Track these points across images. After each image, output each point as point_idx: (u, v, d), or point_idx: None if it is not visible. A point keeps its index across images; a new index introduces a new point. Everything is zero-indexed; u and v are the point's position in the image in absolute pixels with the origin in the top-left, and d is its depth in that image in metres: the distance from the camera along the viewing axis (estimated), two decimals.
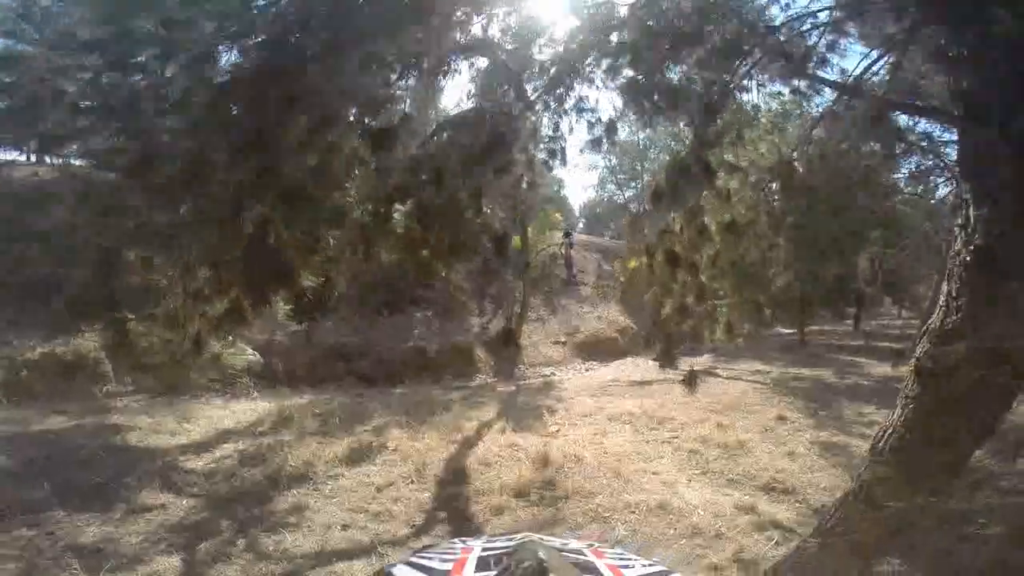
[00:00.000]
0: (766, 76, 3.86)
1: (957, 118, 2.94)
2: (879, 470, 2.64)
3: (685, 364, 12.57)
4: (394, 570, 0.73)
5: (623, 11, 4.16)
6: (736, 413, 7.66)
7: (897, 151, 8.26)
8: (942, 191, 11.15)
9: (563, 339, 15.39)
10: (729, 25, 3.81)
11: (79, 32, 3.38)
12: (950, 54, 2.73)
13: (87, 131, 3.30)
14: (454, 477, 5.29)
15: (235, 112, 2.52)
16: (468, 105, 5.41)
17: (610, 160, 23.34)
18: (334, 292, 4.92)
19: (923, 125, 7.35)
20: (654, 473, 5.46)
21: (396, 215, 4.51)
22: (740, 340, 7.67)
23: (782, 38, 3.77)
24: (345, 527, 4.30)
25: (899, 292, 17.66)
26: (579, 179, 43.30)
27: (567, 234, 18.73)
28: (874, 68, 4.26)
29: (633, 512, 4.47)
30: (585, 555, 0.76)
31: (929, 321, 3.04)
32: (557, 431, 7.04)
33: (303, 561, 3.81)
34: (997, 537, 1.55)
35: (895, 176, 10.24)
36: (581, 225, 33.78)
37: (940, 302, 2.97)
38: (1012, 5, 2.23)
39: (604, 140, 4.46)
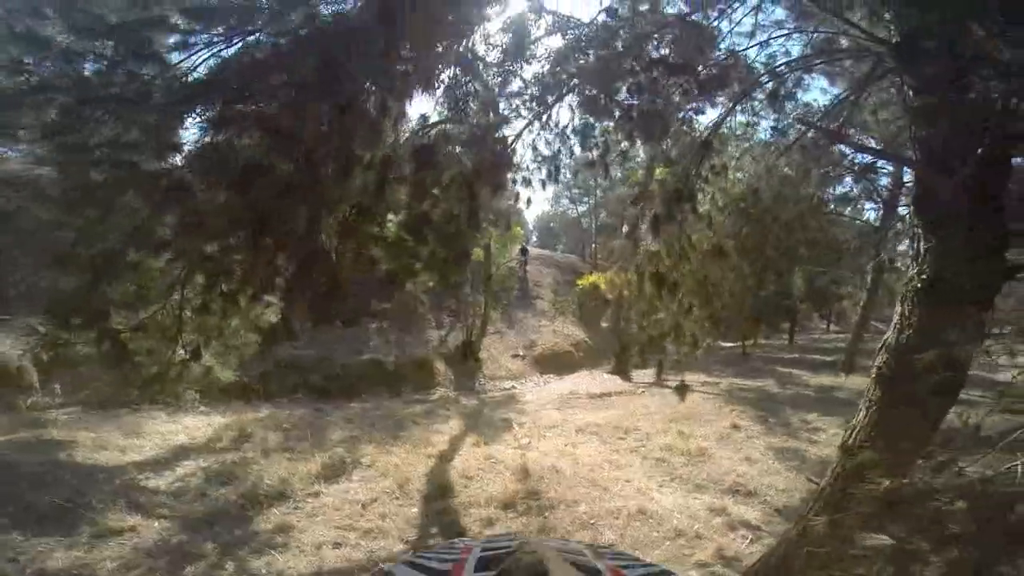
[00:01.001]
0: (749, 110, 4.27)
1: (915, 162, 3.42)
2: (852, 461, 3.02)
3: (638, 377, 13.22)
4: (394, 570, 0.76)
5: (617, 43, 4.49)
6: (693, 422, 8.11)
7: (832, 175, 9.15)
8: (870, 214, 12.52)
9: (521, 352, 15.62)
10: (714, 56, 4.23)
11: (104, 15, 3.20)
12: (915, 105, 3.19)
13: (97, 121, 3.13)
14: (438, 491, 5.32)
15: (286, 108, 2.49)
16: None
17: (568, 176, 23.90)
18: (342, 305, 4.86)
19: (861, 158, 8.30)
20: (627, 481, 5.73)
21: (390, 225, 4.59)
22: (699, 353, 8.15)
23: (764, 78, 4.24)
24: (337, 545, 4.22)
25: (827, 309, 19.23)
26: (537, 193, 43.52)
27: (523, 250, 19.09)
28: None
29: (616, 518, 4.69)
30: (585, 555, 0.76)
31: (886, 336, 3.48)
32: (529, 443, 7.21)
33: None
34: (960, 511, 1.90)
35: (827, 199, 11.27)
36: (534, 239, 34.38)
37: (894, 321, 3.42)
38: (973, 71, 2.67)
39: (599, 164, 4.74)
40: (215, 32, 3.26)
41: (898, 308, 3.40)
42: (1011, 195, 2.85)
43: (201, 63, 3.19)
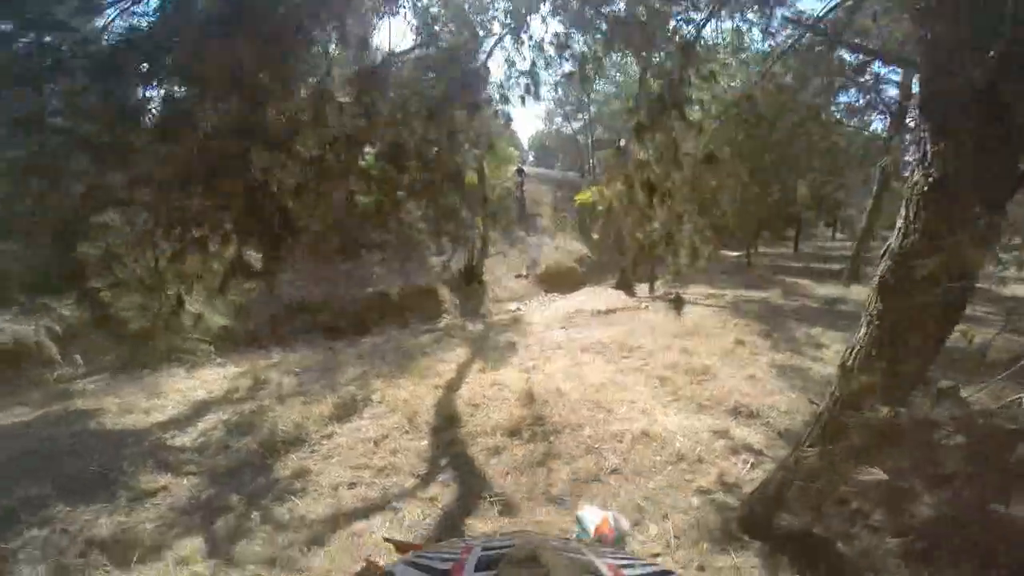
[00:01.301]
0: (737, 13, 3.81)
1: (919, 64, 3.05)
2: (850, 385, 2.96)
3: (641, 291, 13.23)
4: (394, 570, 0.74)
5: None
6: (698, 338, 8.06)
7: (837, 85, 8.49)
8: (877, 125, 11.79)
9: (524, 272, 15.57)
10: None
11: None
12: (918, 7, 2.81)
13: (13, 96, 2.91)
14: (446, 422, 5.42)
15: (213, 51, 2.25)
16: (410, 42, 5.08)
17: (557, 92, 22.71)
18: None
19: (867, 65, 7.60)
20: (632, 402, 5.78)
21: (368, 156, 4.34)
22: (701, 263, 8.00)
23: None
24: (352, 485, 4.37)
25: (832, 217, 18.78)
26: (526, 112, 42.01)
27: (519, 170, 18.50)
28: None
29: (620, 441, 4.77)
30: (585, 555, 0.77)
31: (888, 242, 3.29)
32: (534, 366, 7.28)
33: (322, 526, 3.86)
34: (959, 446, 1.83)
35: (833, 109, 10.62)
36: (531, 158, 33.37)
37: (898, 225, 3.21)
38: None
39: (578, 74, 4.35)
40: None
41: (902, 212, 3.16)
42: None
43: (111, 21, 2.87)
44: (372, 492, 4.29)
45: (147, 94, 2.64)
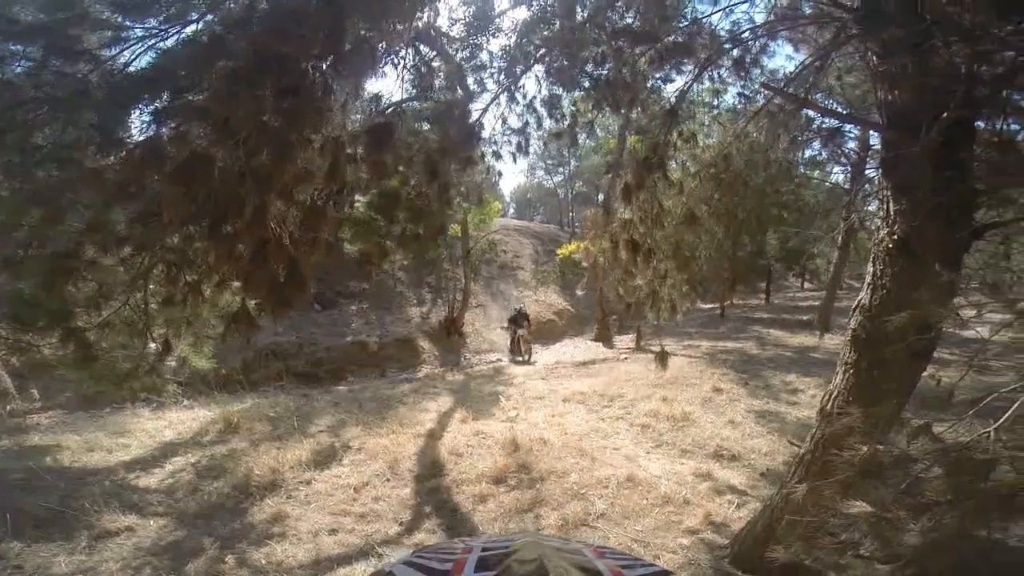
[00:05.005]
0: (716, 77, 4.20)
1: (882, 126, 3.39)
2: (831, 427, 3.09)
3: (620, 343, 13.40)
4: (394, 570, 0.72)
5: (581, 11, 4.36)
6: (676, 387, 8.19)
7: (801, 140, 9.17)
8: (839, 176, 12.69)
9: (505, 324, 15.64)
10: (681, 25, 4.12)
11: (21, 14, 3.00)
12: (883, 71, 3.15)
13: (30, 125, 2.96)
14: (429, 470, 5.32)
15: (240, 97, 2.36)
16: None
17: (542, 147, 23.69)
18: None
19: (827, 122, 8.31)
20: (615, 448, 5.82)
21: (359, 204, 4.46)
22: (679, 317, 8.23)
23: (728, 45, 4.14)
24: (333, 531, 4.23)
25: (801, 267, 19.66)
26: (508, 165, 43.37)
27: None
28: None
29: (605, 487, 4.75)
30: (585, 555, 0.75)
31: (859, 297, 3.52)
32: (516, 416, 7.25)
33: (302, 572, 3.72)
34: (937, 477, 1.95)
35: (799, 162, 11.39)
36: (512, 211, 34.19)
37: (867, 281, 3.45)
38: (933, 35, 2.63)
39: (566, 134, 4.64)
40: (149, 25, 3.07)
41: (870, 268, 3.42)
42: (976, 157, 2.85)
43: (136, 57, 3.02)
44: (354, 538, 4.16)
45: (164, 132, 2.72)
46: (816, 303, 15.11)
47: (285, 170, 2.61)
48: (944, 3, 2.49)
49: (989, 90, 2.70)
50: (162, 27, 3.13)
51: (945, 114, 2.57)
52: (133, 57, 3.10)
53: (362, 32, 3.12)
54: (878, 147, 3.89)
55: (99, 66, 3.01)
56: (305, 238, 3.13)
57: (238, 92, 2.36)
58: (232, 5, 3.28)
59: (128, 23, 3.02)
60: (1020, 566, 2.89)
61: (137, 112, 2.84)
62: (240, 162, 2.49)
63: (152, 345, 3.88)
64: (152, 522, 4.37)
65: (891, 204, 3.29)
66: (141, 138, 2.84)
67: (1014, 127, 3.08)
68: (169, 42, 3.15)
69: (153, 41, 3.04)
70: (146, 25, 3.07)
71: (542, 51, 4.67)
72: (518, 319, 13.31)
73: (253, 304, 3.41)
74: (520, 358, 12.84)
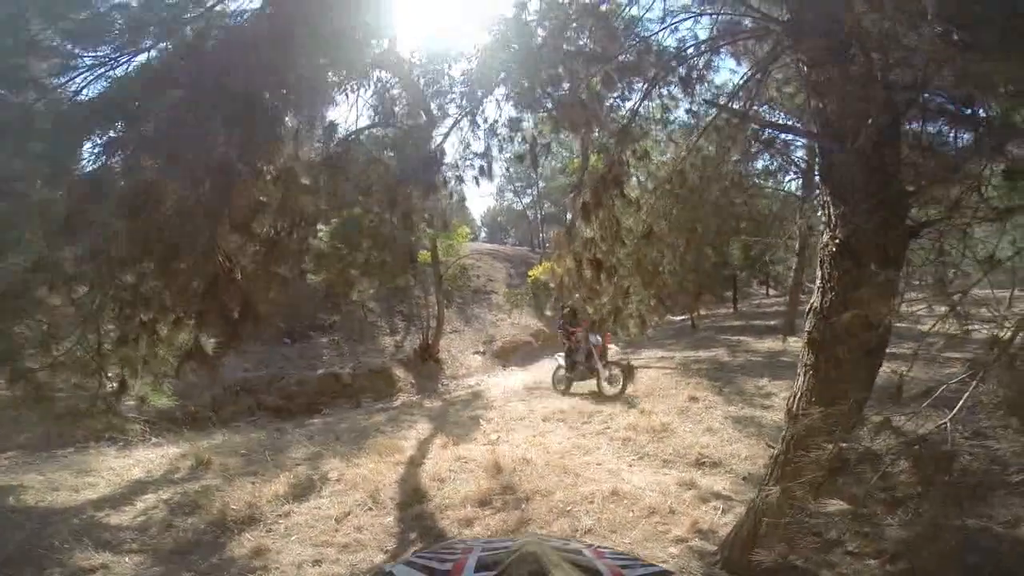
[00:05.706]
0: (666, 94, 4.36)
1: (816, 135, 3.57)
2: (797, 428, 3.16)
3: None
4: (394, 570, 0.74)
5: (539, 33, 4.47)
6: (653, 399, 8.31)
7: (751, 151, 9.53)
8: (792, 184, 13.18)
9: (482, 348, 15.59)
10: (629, 44, 4.28)
11: None
12: (812, 80, 3.33)
13: None
14: (412, 497, 5.22)
15: (189, 128, 2.33)
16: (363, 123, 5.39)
17: (507, 170, 24.07)
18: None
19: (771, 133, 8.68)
20: (597, 464, 5.83)
21: (321, 235, 4.42)
22: (649, 331, 8.34)
23: (673, 62, 4.32)
24: (317, 563, 4.10)
25: (764, 275, 20.26)
26: (479, 189, 43.68)
27: None
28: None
29: (591, 502, 4.75)
30: (585, 555, 0.76)
31: (812, 300, 3.65)
32: (498, 438, 7.20)
33: None
34: (904, 471, 2.01)
35: (751, 173, 11.82)
36: (483, 234, 34.30)
37: (817, 284, 3.59)
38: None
39: (528, 156, 4.73)
40: (100, 53, 3.03)
41: (819, 272, 3.56)
42: (905, 159, 3.02)
43: (86, 85, 2.96)
44: (338, 568, 4.05)
45: (113, 163, 2.65)
46: (782, 308, 15.55)
47: (235, 202, 2.59)
48: (862, 12, 2.65)
49: (907, 95, 2.87)
50: (113, 55, 3.10)
51: (870, 120, 2.72)
52: (84, 84, 3.04)
53: (320, 60, 3.16)
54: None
55: (46, 95, 2.95)
56: (261, 272, 3.08)
57: (186, 122, 2.34)
58: (185, 34, 3.28)
59: (78, 51, 2.96)
60: (1007, 550, 2.97)
61: (89, 144, 2.77)
62: (190, 194, 2.46)
63: (109, 385, 3.73)
64: (127, 559, 4.20)
65: (831, 209, 3.44)
66: (89, 169, 2.78)
67: (940, 127, 3.29)
68: (119, 71, 3.11)
69: (103, 70, 2.99)
70: (97, 53, 3.03)
71: (502, 75, 4.79)
72: (573, 320, 9.40)
73: (212, 342, 3.32)
74: (605, 383, 8.95)
